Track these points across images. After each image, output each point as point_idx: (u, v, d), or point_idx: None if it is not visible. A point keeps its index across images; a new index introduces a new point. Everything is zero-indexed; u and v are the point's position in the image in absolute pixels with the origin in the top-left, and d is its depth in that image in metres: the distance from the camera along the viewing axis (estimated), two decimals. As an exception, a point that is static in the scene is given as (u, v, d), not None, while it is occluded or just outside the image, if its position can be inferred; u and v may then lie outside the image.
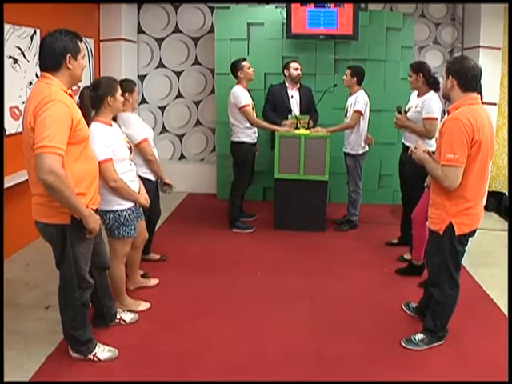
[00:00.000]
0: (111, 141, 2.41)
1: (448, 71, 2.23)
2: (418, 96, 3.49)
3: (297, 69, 4.27)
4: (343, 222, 4.38)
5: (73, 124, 1.91)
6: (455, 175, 2.14)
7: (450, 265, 2.33)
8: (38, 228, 2.07)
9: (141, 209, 2.73)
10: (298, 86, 4.36)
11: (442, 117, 3.29)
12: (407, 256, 3.53)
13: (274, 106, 4.33)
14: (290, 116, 4.17)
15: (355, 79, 4.01)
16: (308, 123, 4.12)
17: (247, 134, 4.07)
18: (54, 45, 1.92)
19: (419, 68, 3.40)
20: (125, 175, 2.50)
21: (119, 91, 2.49)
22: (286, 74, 4.33)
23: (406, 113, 3.56)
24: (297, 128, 4.10)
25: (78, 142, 1.97)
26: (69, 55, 1.94)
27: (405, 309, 2.86)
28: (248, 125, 4.05)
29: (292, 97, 4.35)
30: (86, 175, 2.04)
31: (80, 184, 1.99)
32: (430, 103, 3.31)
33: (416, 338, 2.47)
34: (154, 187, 3.12)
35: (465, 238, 2.31)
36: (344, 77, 4.07)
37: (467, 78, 2.18)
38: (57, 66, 1.94)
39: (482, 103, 2.26)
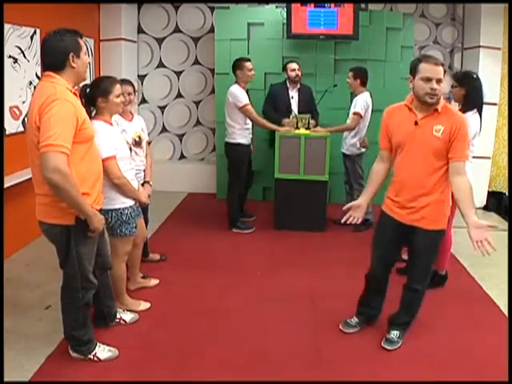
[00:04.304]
0: (113, 139, 2.41)
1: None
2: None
3: (294, 70, 4.24)
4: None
5: (78, 123, 1.90)
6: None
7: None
8: (42, 228, 2.06)
9: (139, 207, 2.74)
10: (298, 86, 4.36)
11: None
12: (406, 256, 3.53)
13: (274, 106, 4.32)
14: (291, 116, 4.16)
15: (358, 81, 4.01)
16: (308, 122, 4.11)
17: (243, 136, 4.04)
18: (56, 45, 1.91)
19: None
20: (125, 174, 2.50)
21: (114, 93, 2.42)
22: (286, 75, 4.33)
23: None
24: (297, 128, 4.10)
25: (83, 141, 1.97)
26: (72, 54, 1.93)
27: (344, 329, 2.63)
28: (245, 126, 4.02)
29: (292, 97, 4.34)
30: (90, 175, 2.04)
31: (84, 183, 1.99)
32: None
33: (393, 336, 2.45)
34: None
35: None
36: (348, 79, 4.07)
37: None
38: (61, 66, 1.93)
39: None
